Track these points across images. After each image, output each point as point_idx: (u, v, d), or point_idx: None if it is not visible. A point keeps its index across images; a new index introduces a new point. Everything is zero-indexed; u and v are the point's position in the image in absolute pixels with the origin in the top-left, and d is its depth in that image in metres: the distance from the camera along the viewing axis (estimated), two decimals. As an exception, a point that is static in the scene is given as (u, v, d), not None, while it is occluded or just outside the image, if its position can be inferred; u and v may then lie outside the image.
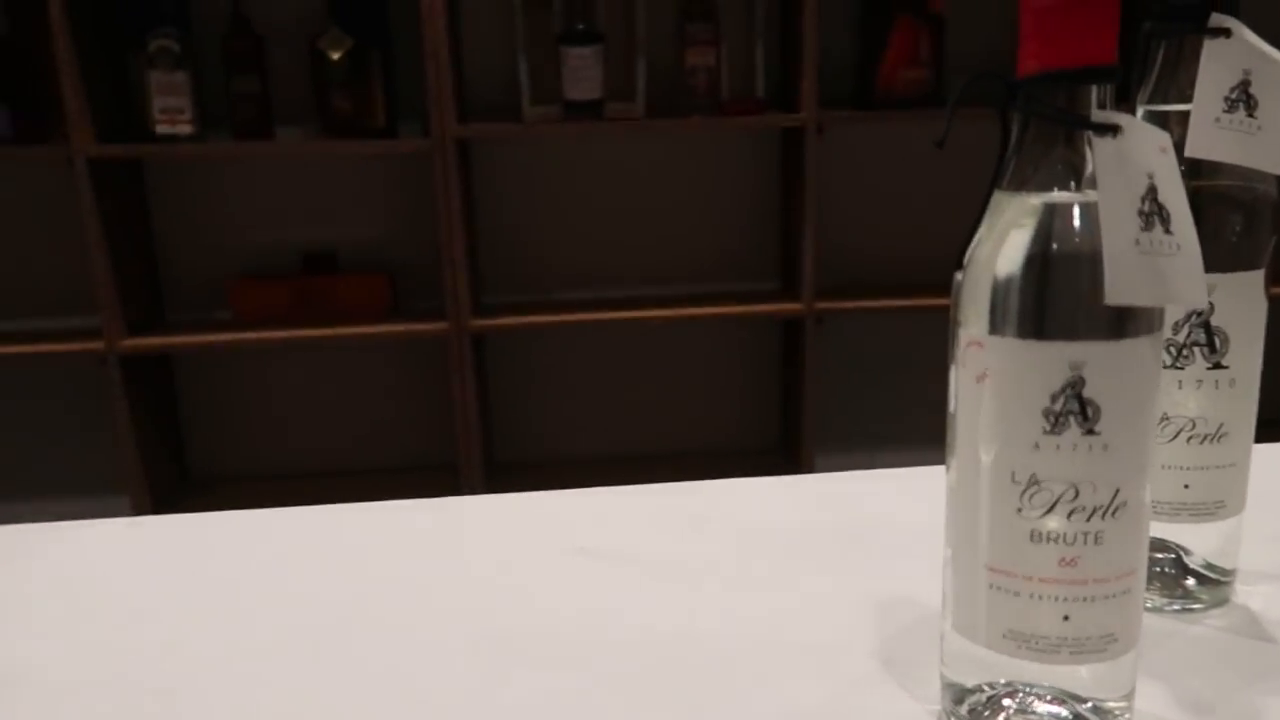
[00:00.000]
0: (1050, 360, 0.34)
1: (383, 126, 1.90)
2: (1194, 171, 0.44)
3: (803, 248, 1.94)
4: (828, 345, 2.14)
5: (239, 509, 0.65)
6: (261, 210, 2.04)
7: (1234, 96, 0.44)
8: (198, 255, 2.04)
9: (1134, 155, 0.33)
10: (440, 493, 0.69)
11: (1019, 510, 0.36)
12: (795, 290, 2.00)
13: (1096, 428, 0.34)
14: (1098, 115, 0.34)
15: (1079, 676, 0.38)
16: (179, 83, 1.81)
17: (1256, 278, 0.46)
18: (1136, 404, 0.35)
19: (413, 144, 1.88)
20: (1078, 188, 0.35)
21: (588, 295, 2.11)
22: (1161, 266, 0.33)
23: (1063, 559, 0.36)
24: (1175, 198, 0.34)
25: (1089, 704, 0.38)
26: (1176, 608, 0.49)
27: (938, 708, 0.41)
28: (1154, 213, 0.33)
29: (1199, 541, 0.49)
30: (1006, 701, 0.38)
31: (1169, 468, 0.47)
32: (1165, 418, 0.47)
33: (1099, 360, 0.34)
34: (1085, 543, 0.35)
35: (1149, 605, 0.48)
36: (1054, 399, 0.34)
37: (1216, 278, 0.45)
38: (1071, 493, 0.35)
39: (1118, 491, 0.35)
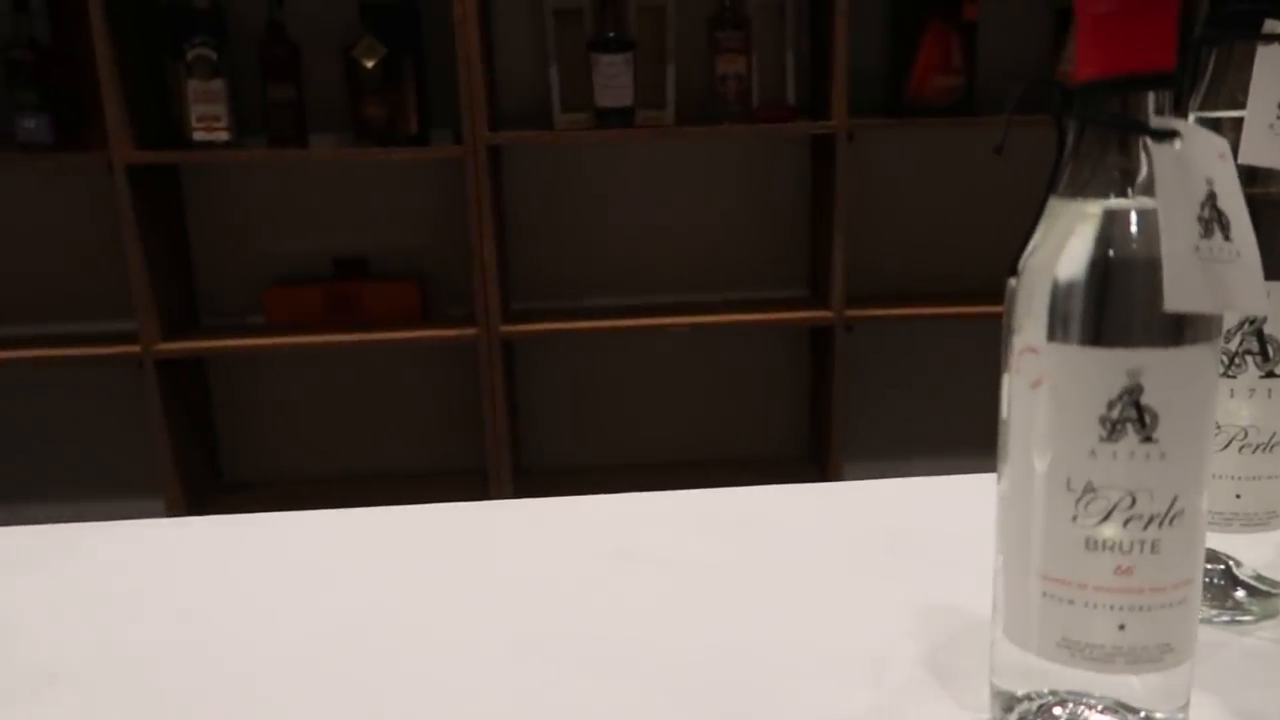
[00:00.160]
0: (1108, 367, 0.34)
1: (415, 134, 1.92)
2: (1247, 178, 0.44)
3: (832, 255, 1.93)
4: (857, 353, 2.13)
5: (270, 511, 0.66)
6: (295, 216, 2.06)
7: (1288, 102, 0.43)
8: (232, 261, 2.07)
9: (1193, 161, 0.33)
10: (469, 498, 0.70)
11: (1074, 518, 0.36)
12: (825, 297, 2.00)
13: (1154, 435, 0.34)
14: (1156, 121, 0.34)
15: (1132, 687, 0.37)
16: (216, 90, 1.84)
17: (1311, 286, 0.45)
18: (1195, 411, 0.35)
19: (444, 151, 1.89)
20: (1133, 194, 0.35)
21: (617, 302, 2.11)
22: (1221, 273, 0.33)
23: (1118, 567, 0.35)
24: (1234, 204, 0.34)
25: (1141, 715, 0.37)
26: (1225, 619, 0.48)
27: (986, 716, 0.41)
28: (1213, 219, 0.33)
29: (1250, 552, 0.48)
30: (1057, 711, 0.38)
31: (1220, 477, 0.47)
32: (1217, 427, 0.46)
33: (1157, 367, 0.34)
34: (1141, 551, 0.35)
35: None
36: (1111, 406, 0.34)
37: (1270, 285, 0.44)
38: (1128, 500, 0.35)
39: (1175, 500, 0.35)
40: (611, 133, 1.90)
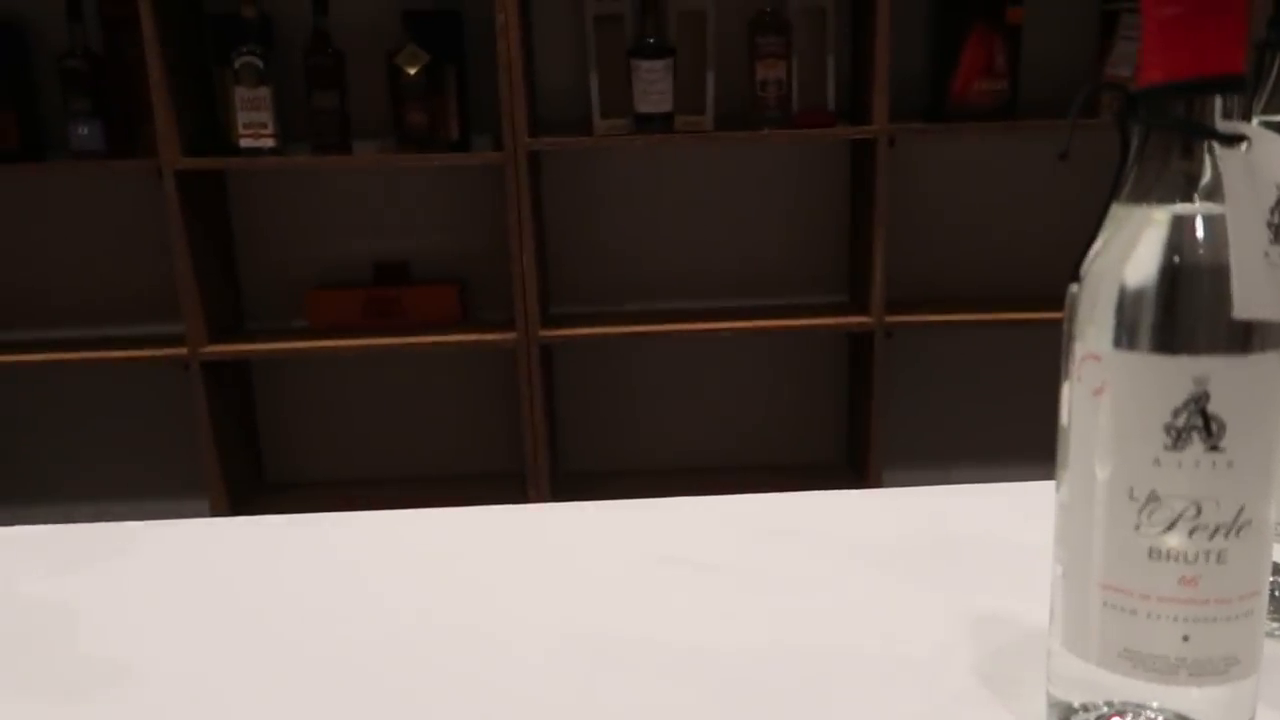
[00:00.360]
0: (1173, 375, 0.34)
1: (456, 139, 1.94)
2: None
3: (872, 261, 1.92)
4: (896, 359, 2.11)
5: (310, 513, 0.67)
6: (337, 221, 2.09)
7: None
8: (276, 265, 2.10)
9: (1262, 166, 0.33)
10: (507, 501, 0.70)
11: (1137, 527, 0.35)
12: (864, 303, 1.98)
13: (1220, 444, 0.34)
14: (1224, 125, 0.34)
15: (1193, 699, 0.37)
16: (262, 98, 1.87)
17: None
18: (1262, 420, 0.34)
19: (485, 157, 1.91)
20: (1198, 199, 0.34)
21: (656, 307, 2.11)
22: (1291, 280, 0.32)
23: (1183, 578, 0.35)
24: (1304, 210, 0.33)
25: (1203, 727, 0.37)
26: (1289, 632, 0.47)
27: (1043, 726, 0.41)
28: (1283, 225, 0.33)
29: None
30: (1116, 721, 0.38)
31: (1283, 487, 0.46)
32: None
33: (1224, 375, 0.33)
34: (1207, 561, 0.35)
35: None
36: (1176, 414, 0.34)
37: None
38: (1193, 510, 0.34)
39: (1242, 509, 0.34)
40: (651, 138, 1.91)
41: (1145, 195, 0.35)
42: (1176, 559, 0.35)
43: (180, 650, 0.50)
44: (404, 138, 1.91)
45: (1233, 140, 0.33)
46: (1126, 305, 0.34)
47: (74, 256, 2.09)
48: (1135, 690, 0.37)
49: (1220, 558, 0.35)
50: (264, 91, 1.87)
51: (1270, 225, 0.33)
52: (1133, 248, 0.35)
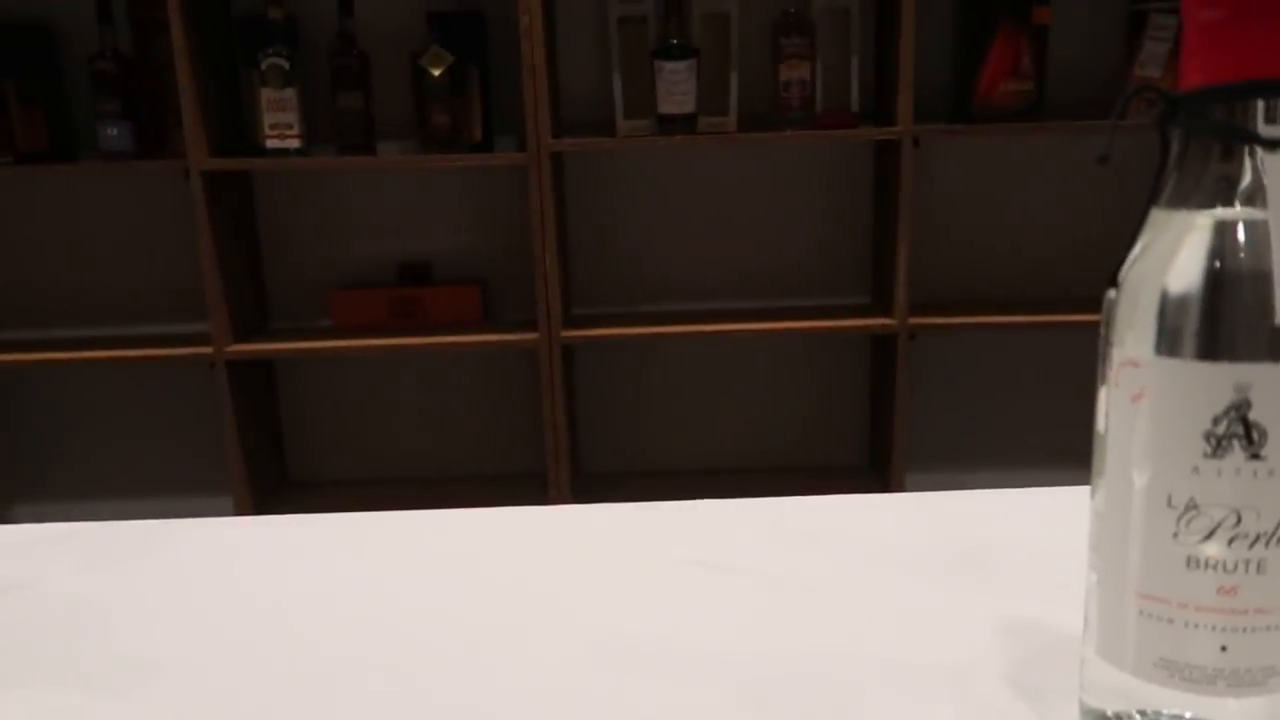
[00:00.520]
0: (1214, 381, 0.33)
1: (479, 141, 1.94)
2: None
3: (896, 262, 1.91)
4: (920, 361, 2.10)
5: (333, 512, 0.67)
6: (361, 222, 2.11)
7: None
8: (301, 265, 2.12)
9: (1306, 171, 0.32)
10: (528, 502, 0.70)
11: (1175, 535, 0.35)
12: (887, 305, 1.97)
13: (1262, 452, 0.33)
14: (1266, 130, 0.33)
15: (1230, 710, 0.36)
16: (288, 99, 1.88)
17: None
18: (1304, 428, 0.34)
19: (508, 158, 1.91)
20: (1239, 204, 0.34)
21: (678, 308, 2.11)
22: (1335, 286, 0.32)
23: (1221, 587, 0.34)
24: (1348, 215, 0.33)
25: (1242, 738, 0.36)
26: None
27: (1076, 735, 0.40)
28: (1327, 230, 0.32)
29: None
30: (1151, 731, 0.37)
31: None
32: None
33: (1266, 382, 0.33)
34: (1246, 571, 0.34)
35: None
36: (1216, 421, 0.33)
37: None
38: (1233, 519, 0.34)
39: (1283, 519, 0.34)
40: (674, 140, 1.91)
41: (1185, 200, 0.35)
42: (1215, 568, 0.34)
43: (205, 648, 0.50)
44: (428, 139, 1.92)
45: (1276, 145, 0.33)
46: (1167, 311, 0.34)
47: (101, 256, 2.11)
48: (1171, 700, 0.36)
49: (1260, 567, 0.34)
50: (290, 93, 1.88)
51: (1314, 231, 0.32)
52: (1174, 253, 0.34)
